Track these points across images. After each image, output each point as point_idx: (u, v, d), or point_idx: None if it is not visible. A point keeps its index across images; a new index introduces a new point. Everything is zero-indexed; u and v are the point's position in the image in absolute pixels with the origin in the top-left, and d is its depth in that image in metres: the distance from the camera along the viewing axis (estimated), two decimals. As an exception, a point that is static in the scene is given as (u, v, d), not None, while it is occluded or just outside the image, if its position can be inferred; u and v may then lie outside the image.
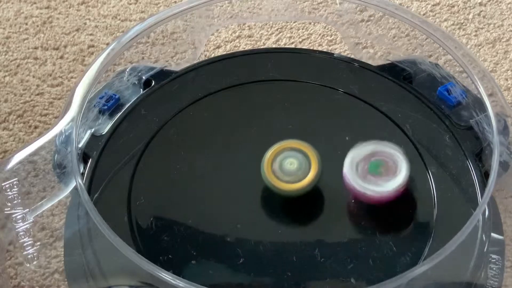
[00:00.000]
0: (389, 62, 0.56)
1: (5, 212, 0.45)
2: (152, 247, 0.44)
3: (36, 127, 0.60)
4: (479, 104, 0.49)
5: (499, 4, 0.70)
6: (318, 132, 0.51)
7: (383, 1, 0.55)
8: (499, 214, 0.47)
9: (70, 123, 0.48)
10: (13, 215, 0.45)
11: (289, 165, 0.46)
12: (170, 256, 0.44)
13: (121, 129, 0.51)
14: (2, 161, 0.47)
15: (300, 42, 0.67)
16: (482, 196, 0.45)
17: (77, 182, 0.44)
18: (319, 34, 0.67)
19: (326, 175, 0.46)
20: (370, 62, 0.56)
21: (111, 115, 0.52)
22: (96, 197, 0.47)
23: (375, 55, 0.60)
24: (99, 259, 0.44)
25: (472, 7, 0.70)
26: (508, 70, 0.64)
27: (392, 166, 0.45)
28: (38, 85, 0.63)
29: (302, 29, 0.68)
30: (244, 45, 0.67)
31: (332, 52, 0.64)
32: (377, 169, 0.44)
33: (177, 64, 0.58)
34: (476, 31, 0.68)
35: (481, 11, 0.70)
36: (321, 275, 0.44)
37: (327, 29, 0.68)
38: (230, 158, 0.50)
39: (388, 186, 0.44)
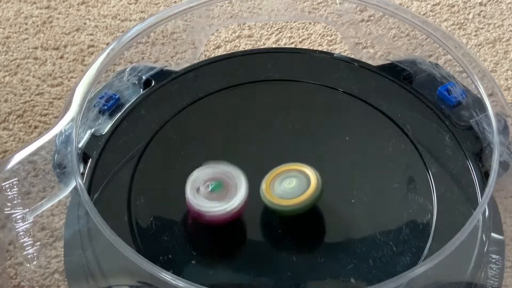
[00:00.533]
0: (389, 62, 0.56)
1: (5, 212, 0.45)
2: (152, 247, 0.44)
3: (36, 127, 0.60)
4: (479, 104, 0.49)
5: (499, 4, 0.70)
6: (318, 132, 0.51)
7: (383, 1, 0.55)
8: (499, 214, 0.47)
9: (70, 123, 0.48)
10: (13, 215, 0.45)
11: (287, 184, 0.45)
12: (170, 256, 0.44)
13: (121, 129, 0.51)
14: (2, 161, 0.47)
15: (300, 42, 0.67)
16: (482, 196, 0.45)
17: (77, 182, 0.44)
18: (319, 34, 0.67)
19: (326, 175, 0.46)
20: (370, 62, 0.56)
21: (111, 115, 0.52)
22: (96, 197, 0.47)
23: (375, 55, 0.60)
24: (99, 259, 0.44)
25: (472, 7, 0.70)
26: (508, 70, 0.64)
27: (232, 185, 0.44)
28: (38, 85, 0.63)
29: (302, 29, 0.68)
30: (244, 45, 0.67)
31: (332, 52, 0.64)
32: (217, 190, 0.44)
33: (177, 64, 0.58)
34: (476, 31, 0.68)
35: (481, 11, 0.70)
36: (321, 275, 0.44)
37: (327, 29, 0.68)
38: (230, 158, 0.49)
39: (229, 205, 0.44)
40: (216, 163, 0.45)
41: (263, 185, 0.45)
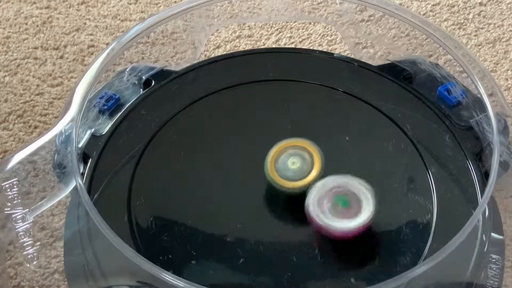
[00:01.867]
0: (389, 62, 0.56)
1: (5, 212, 0.45)
2: (152, 247, 0.44)
3: (36, 127, 0.60)
4: (479, 104, 0.49)
5: (499, 4, 0.70)
6: (318, 132, 0.51)
7: (383, 1, 0.55)
8: (499, 214, 0.47)
9: (70, 123, 0.48)
10: (13, 215, 0.45)
11: (291, 164, 0.46)
12: (170, 256, 0.44)
13: (121, 129, 0.51)
14: (2, 161, 0.47)
15: (300, 42, 0.67)
16: (482, 196, 0.45)
17: (77, 182, 0.44)
18: (319, 34, 0.67)
19: (326, 175, 0.46)
20: (370, 62, 0.56)
21: (111, 115, 0.52)
22: (96, 197, 0.47)
23: (375, 55, 0.60)
24: (99, 259, 0.44)
25: (472, 7, 0.70)
26: (508, 70, 0.64)
27: (356, 202, 0.44)
28: (38, 85, 0.63)
29: (302, 29, 0.68)
30: (244, 45, 0.67)
31: (332, 52, 0.64)
32: (341, 205, 0.43)
33: (177, 64, 0.58)
34: (476, 31, 0.68)
35: (481, 11, 0.70)
36: (321, 275, 0.44)
37: (327, 29, 0.68)
38: (230, 158, 0.50)
39: (351, 224, 0.43)
40: (338, 176, 0.44)
41: (267, 166, 0.46)
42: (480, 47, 0.66)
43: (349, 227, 0.43)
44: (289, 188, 0.46)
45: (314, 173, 0.45)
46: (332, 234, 0.43)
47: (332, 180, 0.44)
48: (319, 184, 0.44)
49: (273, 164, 0.46)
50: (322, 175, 0.45)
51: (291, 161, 0.46)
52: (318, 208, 0.43)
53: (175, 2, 0.71)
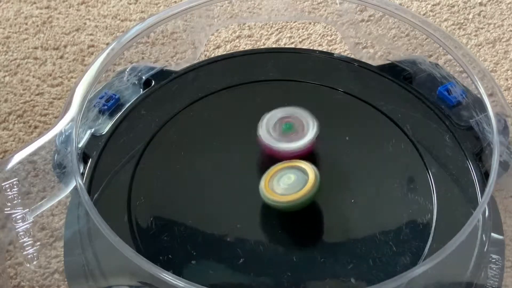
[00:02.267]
0: (389, 62, 0.56)
1: (5, 212, 0.45)
2: (152, 247, 0.44)
3: (36, 127, 0.60)
4: (479, 104, 0.49)
5: (499, 4, 0.70)
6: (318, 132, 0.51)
7: (383, 1, 0.55)
8: (499, 214, 0.47)
9: (70, 123, 0.48)
10: (13, 215, 0.45)
11: (286, 180, 0.45)
12: (170, 256, 0.44)
13: (121, 129, 0.51)
14: (2, 161, 0.47)
15: (300, 42, 0.67)
16: (482, 196, 0.45)
17: (77, 182, 0.44)
18: (319, 34, 0.67)
19: (326, 175, 0.46)
20: (370, 62, 0.56)
21: (111, 115, 0.52)
22: (96, 197, 0.47)
23: (375, 55, 0.60)
24: (99, 259, 0.44)
25: (472, 7, 0.70)
26: (508, 70, 0.64)
27: (301, 127, 0.48)
28: (38, 85, 0.63)
29: (302, 29, 0.68)
30: (244, 45, 0.67)
31: (332, 52, 0.64)
32: (289, 130, 0.48)
33: (177, 64, 0.58)
34: (476, 31, 0.68)
35: (481, 11, 0.70)
36: (321, 275, 0.44)
37: (327, 29, 0.68)
38: (230, 158, 0.50)
39: (297, 144, 0.47)
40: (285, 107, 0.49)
41: (262, 183, 0.45)
42: (480, 47, 0.66)
43: (294, 147, 0.47)
44: (284, 202, 0.44)
45: (308, 187, 0.44)
46: (281, 155, 0.47)
47: (280, 111, 0.48)
48: (268, 115, 0.48)
49: (267, 185, 0.45)
50: (317, 188, 0.45)
51: (286, 177, 0.45)
52: (268, 134, 0.48)
53: (175, 2, 0.71)
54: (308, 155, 0.47)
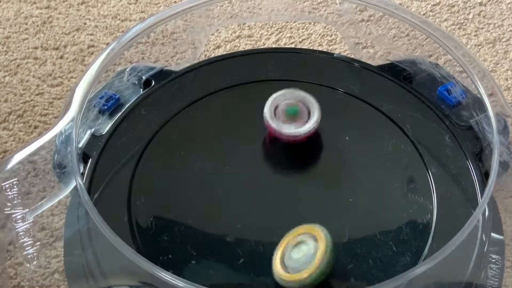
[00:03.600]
0: (389, 62, 0.56)
1: (5, 212, 0.45)
2: (152, 247, 0.44)
3: (36, 127, 0.60)
4: (479, 104, 0.49)
5: (499, 4, 0.70)
6: (318, 132, 0.51)
7: (383, 1, 0.55)
8: (499, 214, 0.47)
9: (70, 123, 0.48)
10: (13, 215, 0.45)
11: (296, 255, 0.42)
12: (170, 256, 0.44)
13: (121, 129, 0.51)
14: (2, 161, 0.47)
15: (300, 42, 0.67)
16: (482, 196, 0.45)
17: (77, 182, 0.44)
18: (319, 34, 0.67)
19: (326, 174, 0.46)
20: (370, 62, 0.56)
21: (111, 115, 0.52)
22: (96, 197, 0.47)
23: (375, 55, 0.60)
24: (99, 259, 0.44)
25: (472, 7, 0.70)
26: (508, 70, 0.64)
27: (305, 111, 0.49)
28: (38, 85, 0.63)
29: (302, 29, 0.68)
30: (244, 45, 0.67)
31: (332, 52, 0.64)
32: (293, 114, 0.49)
33: (177, 64, 0.58)
34: (476, 31, 0.68)
35: (481, 11, 0.70)
36: (321, 275, 0.44)
37: (327, 29, 0.68)
38: (230, 158, 0.50)
39: (302, 129, 0.48)
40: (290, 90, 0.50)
41: (276, 261, 0.42)
42: (480, 47, 0.66)
43: (299, 131, 0.48)
44: (296, 281, 0.41)
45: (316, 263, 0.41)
46: (286, 139, 0.49)
47: (285, 93, 0.50)
48: (272, 97, 0.50)
49: (281, 261, 0.42)
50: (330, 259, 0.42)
51: (295, 251, 0.42)
52: (273, 118, 0.49)
53: (175, 2, 0.71)
54: (310, 137, 0.49)
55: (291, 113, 0.49)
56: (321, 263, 0.41)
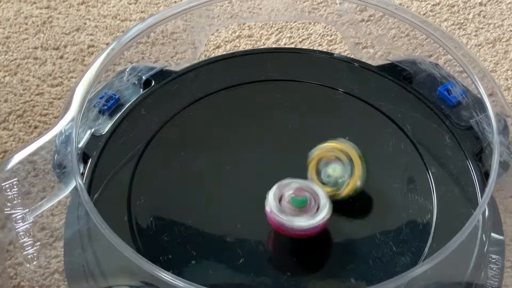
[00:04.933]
0: (389, 62, 0.56)
1: (5, 212, 0.45)
2: (152, 247, 0.44)
3: (36, 127, 0.60)
4: (479, 104, 0.49)
5: (499, 4, 0.70)
6: (318, 132, 0.51)
7: (383, 1, 0.55)
8: (499, 214, 0.47)
9: (70, 123, 0.48)
10: (13, 215, 0.45)
11: (332, 172, 0.45)
12: (170, 256, 0.44)
13: (121, 129, 0.51)
14: (2, 161, 0.47)
15: (300, 42, 0.67)
16: (482, 196, 0.45)
17: (77, 182, 0.44)
18: (319, 34, 0.67)
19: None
20: (370, 62, 0.56)
21: (111, 115, 0.52)
22: (96, 197, 0.47)
23: (375, 55, 0.60)
24: (99, 259, 0.44)
25: (472, 7, 0.70)
26: (508, 70, 0.64)
27: (314, 203, 0.43)
28: (38, 85, 0.63)
29: (302, 29, 0.68)
30: (244, 45, 0.67)
31: (332, 52, 0.64)
32: (299, 205, 0.43)
33: (177, 64, 0.58)
34: (476, 31, 0.68)
35: (481, 11, 0.70)
36: (321, 275, 0.44)
37: (327, 29, 0.68)
38: (230, 158, 0.50)
39: (308, 222, 0.43)
40: (293, 179, 0.44)
41: (310, 171, 0.45)
42: (480, 47, 0.66)
43: (306, 225, 0.42)
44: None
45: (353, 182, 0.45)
46: (290, 233, 0.43)
47: (289, 183, 0.44)
48: (275, 188, 0.44)
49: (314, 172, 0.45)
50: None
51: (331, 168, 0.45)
52: (277, 209, 0.43)
53: (175, 2, 0.71)
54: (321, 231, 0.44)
55: (299, 204, 0.43)
56: (361, 174, 0.45)
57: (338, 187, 0.45)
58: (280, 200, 0.43)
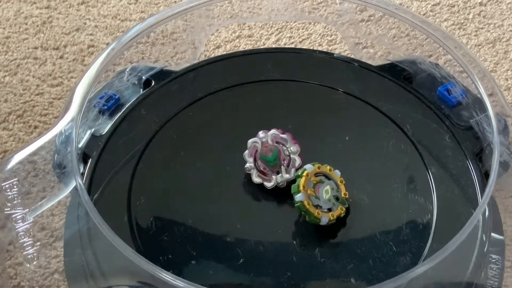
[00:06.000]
0: (389, 62, 0.56)
1: (5, 212, 0.45)
2: (152, 247, 0.44)
3: (36, 127, 0.60)
4: (479, 104, 0.49)
5: (499, 4, 0.70)
6: (318, 132, 0.51)
7: (383, 1, 0.55)
8: (499, 214, 0.47)
9: (70, 123, 0.48)
10: (13, 215, 0.45)
11: (325, 194, 0.46)
12: (170, 256, 0.44)
13: (121, 129, 0.51)
14: (2, 161, 0.47)
15: (300, 42, 0.67)
16: (482, 196, 0.45)
17: (77, 182, 0.44)
18: (319, 34, 0.67)
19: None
20: (370, 62, 0.56)
21: (111, 115, 0.52)
22: (96, 197, 0.47)
23: (375, 55, 0.60)
24: (99, 259, 0.44)
25: (472, 7, 0.70)
26: (508, 70, 0.64)
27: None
28: (38, 85, 0.63)
29: (302, 29, 0.68)
30: (244, 45, 0.67)
31: (332, 52, 0.64)
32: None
33: (177, 64, 0.58)
34: (476, 31, 0.68)
35: (481, 11, 0.70)
36: (321, 275, 0.44)
37: (327, 29, 0.68)
38: (230, 158, 0.50)
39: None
40: None
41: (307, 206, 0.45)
42: (480, 47, 0.66)
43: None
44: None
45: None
46: None
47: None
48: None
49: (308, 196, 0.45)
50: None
51: (323, 189, 0.46)
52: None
53: (175, 2, 0.71)
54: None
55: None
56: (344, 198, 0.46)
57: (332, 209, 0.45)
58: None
